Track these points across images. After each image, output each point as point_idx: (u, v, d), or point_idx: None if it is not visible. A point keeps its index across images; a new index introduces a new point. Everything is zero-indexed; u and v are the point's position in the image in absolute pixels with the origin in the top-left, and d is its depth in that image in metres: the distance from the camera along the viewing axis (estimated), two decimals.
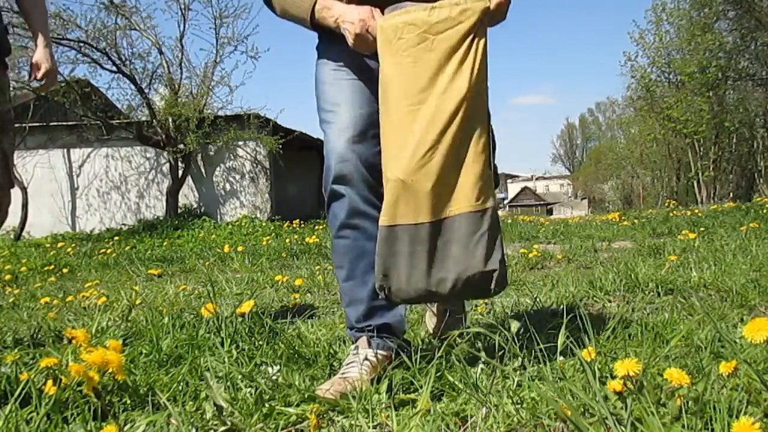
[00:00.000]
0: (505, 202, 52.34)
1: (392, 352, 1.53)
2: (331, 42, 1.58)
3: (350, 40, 1.46)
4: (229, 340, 1.78)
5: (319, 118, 1.60)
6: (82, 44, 11.01)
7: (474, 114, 1.39)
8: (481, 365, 1.40)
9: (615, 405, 0.99)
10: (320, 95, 1.61)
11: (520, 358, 1.39)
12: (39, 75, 2.05)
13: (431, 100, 1.39)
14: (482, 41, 1.41)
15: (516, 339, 1.47)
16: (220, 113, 12.13)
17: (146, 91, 11.91)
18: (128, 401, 1.32)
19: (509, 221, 9.71)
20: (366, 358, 1.46)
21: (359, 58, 1.56)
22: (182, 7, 11.98)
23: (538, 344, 1.40)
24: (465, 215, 1.37)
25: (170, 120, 11.55)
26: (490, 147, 1.43)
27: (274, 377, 1.49)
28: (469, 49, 1.40)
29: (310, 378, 1.50)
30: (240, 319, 1.90)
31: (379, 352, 1.51)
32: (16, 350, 1.83)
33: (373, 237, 1.46)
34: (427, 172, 1.36)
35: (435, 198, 1.37)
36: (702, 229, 5.55)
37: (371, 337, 1.53)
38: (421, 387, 1.27)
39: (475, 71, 1.40)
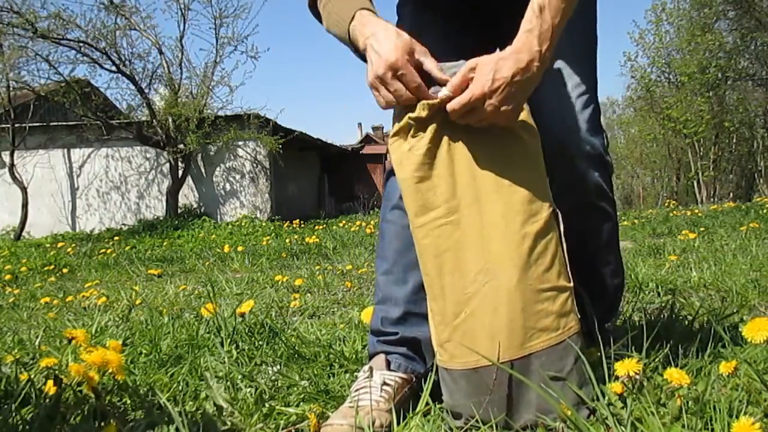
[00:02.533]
0: None
1: (414, 376, 1.28)
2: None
3: (369, 78, 1.07)
4: (229, 340, 1.78)
5: None
6: (81, 44, 11.01)
7: (531, 215, 1.05)
8: None
9: (615, 405, 0.99)
10: None
11: None
12: None
13: (466, 210, 1.05)
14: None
15: None
16: (220, 113, 12.15)
17: (146, 91, 11.92)
18: (128, 401, 1.32)
19: None
20: (384, 383, 1.21)
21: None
22: (182, 7, 12.01)
23: None
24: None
25: (170, 120, 11.56)
26: (563, 252, 1.08)
27: (274, 377, 1.49)
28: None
29: (310, 378, 1.50)
30: (240, 319, 1.90)
31: (399, 375, 1.26)
32: (16, 350, 1.83)
33: None
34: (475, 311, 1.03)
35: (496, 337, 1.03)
36: (702, 229, 5.55)
37: (392, 353, 1.29)
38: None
39: (520, 155, 1.07)
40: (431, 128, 1.05)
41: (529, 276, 1.02)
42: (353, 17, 1.12)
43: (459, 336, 1.04)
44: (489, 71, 1.00)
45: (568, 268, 1.09)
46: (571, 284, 1.08)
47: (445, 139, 1.05)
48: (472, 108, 1.02)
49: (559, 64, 1.23)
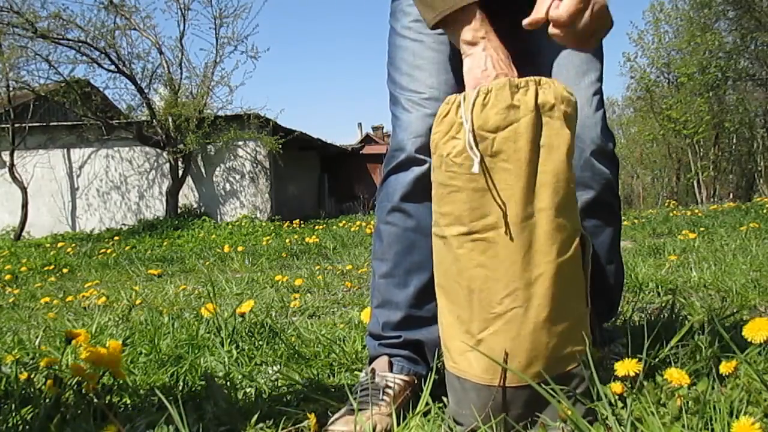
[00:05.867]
0: None
1: (416, 378, 1.27)
2: None
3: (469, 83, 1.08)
4: (229, 340, 1.78)
5: (390, 79, 1.32)
6: (81, 44, 11.02)
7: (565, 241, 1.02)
8: None
9: (615, 405, 0.99)
10: (394, 55, 1.30)
11: None
12: None
13: (502, 230, 1.01)
14: (557, 129, 1.03)
15: None
16: (220, 113, 12.16)
17: (146, 91, 11.92)
18: (128, 401, 1.32)
19: None
20: (386, 386, 1.21)
21: None
22: (182, 7, 12.02)
23: None
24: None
25: (170, 120, 11.57)
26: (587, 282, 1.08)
27: (274, 377, 1.49)
28: (537, 150, 1.01)
29: (310, 378, 1.50)
30: (240, 319, 1.90)
31: (401, 377, 1.25)
32: (16, 350, 1.83)
33: (426, 231, 1.18)
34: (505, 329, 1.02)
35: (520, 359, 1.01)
36: (702, 229, 5.55)
37: (394, 356, 1.28)
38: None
39: (560, 178, 1.02)
40: (473, 138, 1.01)
41: (558, 308, 1.01)
42: (449, 16, 1.07)
43: (481, 350, 1.03)
44: None
45: (588, 291, 1.08)
46: (590, 307, 1.07)
47: (486, 152, 1.01)
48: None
49: (578, 59, 1.23)
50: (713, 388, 1.05)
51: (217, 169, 12.76)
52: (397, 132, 1.28)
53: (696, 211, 8.54)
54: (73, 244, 9.04)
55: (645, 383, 1.03)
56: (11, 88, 11.46)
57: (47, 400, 1.16)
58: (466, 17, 1.07)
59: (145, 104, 11.91)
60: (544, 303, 1.00)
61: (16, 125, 11.89)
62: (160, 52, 12.01)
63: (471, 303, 1.03)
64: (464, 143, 1.01)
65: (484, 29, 1.07)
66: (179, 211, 12.19)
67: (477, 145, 1.01)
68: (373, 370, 1.25)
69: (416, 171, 1.24)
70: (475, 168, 1.00)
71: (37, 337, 2.03)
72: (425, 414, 1.15)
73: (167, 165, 12.36)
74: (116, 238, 9.99)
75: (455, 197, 1.04)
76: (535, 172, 1.01)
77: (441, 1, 1.07)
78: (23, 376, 1.28)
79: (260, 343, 1.79)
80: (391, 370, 1.27)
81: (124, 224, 12.53)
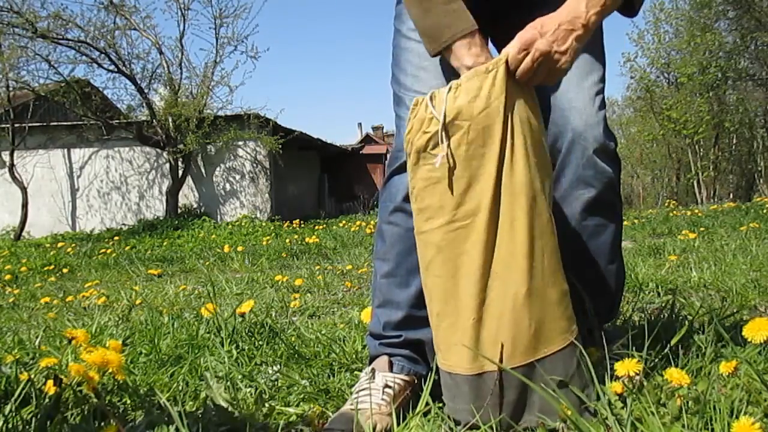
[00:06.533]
0: None
1: (416, 378, 1.28)
2: None
3: None
4: (229, 340, 1.78)
5: (394, 79, 1.34)
6: (81, 44, 11.01)
7: (539, 220, 1.05)
8: None
9: (615, 405, 0.99)
10: (399, 56, 1.33)
11: None
12: None
13: (481, 213, 1.04)
14: (524, 114, 1.07)
15: None
16: (220, 113, 12.14)
17: (146, 91, 11.92)
18: (128, 401, 1.32)
19: None
20: (386, 386, 1.22)
21: None
22: (182, 7, 12.00)
23: None
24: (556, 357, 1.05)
25: (170, 120, 11.56)
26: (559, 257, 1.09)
27: (274, 377, 1.49)
28: (508, 131, 1.05)
29: (310, 378, 1.50)
30: (240, 319, 1.90)
31: (401, 377, 1.25)
32: (16, 350, 1.83)
33: None
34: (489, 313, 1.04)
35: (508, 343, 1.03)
36: (702, 229, 5.55)
37: (395, 355, 1.29)
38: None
39: (530, 158, 1.06)
40: (450, 131, 1.05)
41: (537, 280, 1.02)
42: (452, 44, 1.13)
43: (467, 341, 1.03)
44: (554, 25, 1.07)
45: (562, 269, 1.09)
46: (567, 286, 1.09)
47: (463, 140, 1.05)
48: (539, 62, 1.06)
49: (582, 60, 1.24)
50: (713, 388, 1.05)
51: (217, 169, 12.75)
52: (401, 132, 1.28)
53: (696, 211, 8.53)
54: (73, 244, 9.04)
55: (645, 383, 1.03)
56: (11, 88, 11.45)
57: (47, 400, 1.16)
58: (467, 44, 1.13)
59: (145, 104, 11.90)
60: (523, 276, 1.02)
61: (16, 125, 11.88)
62: (160, 52, 12.01)
63: (458, 294, 1.05)
64: (435, 135, 1.06)
65: (485, 55, 1.13)
66: (179, 211, 12.18)
67: (449, 139, 1.05)
68: (373, 370, 1.25)
69: None
70: (437, 161, 1.05)
71: (37, 337, 2.03)
72: (425, 414, 1.15)
73: (167, 165, 12.35)
74: (116, 238, 9.98)
75: (436, 188, 1.07)
76: (510, 151, 1.05)
77: (442, 33, 1.14)
78: (23, 376, 1.28)
79: (260, 343, 1.79)
80: (391, 369, 1.27)
81: (124, 224, 12.52)
